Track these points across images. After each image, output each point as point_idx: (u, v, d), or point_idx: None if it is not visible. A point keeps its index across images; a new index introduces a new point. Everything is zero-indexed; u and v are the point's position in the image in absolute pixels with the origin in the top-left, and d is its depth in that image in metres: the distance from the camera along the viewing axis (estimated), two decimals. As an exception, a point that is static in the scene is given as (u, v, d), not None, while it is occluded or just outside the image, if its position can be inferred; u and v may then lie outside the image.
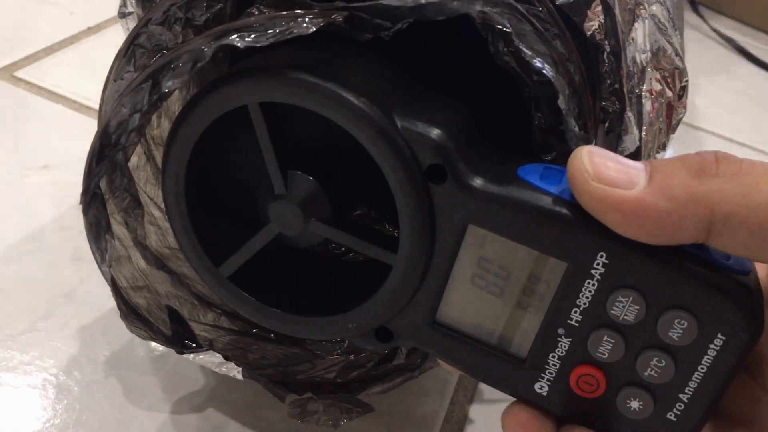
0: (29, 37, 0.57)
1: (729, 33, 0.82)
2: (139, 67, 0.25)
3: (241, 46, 0.22)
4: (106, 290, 0.28)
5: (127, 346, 0.36)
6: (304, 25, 0.21)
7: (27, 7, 0.61)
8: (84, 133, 0.50)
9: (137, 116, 0.24)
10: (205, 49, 0.22)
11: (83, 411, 0.33)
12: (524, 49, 0.22)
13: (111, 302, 0.29)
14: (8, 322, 0.36)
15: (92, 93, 0.52)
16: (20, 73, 0.53)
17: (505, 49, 0.23)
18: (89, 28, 0.59)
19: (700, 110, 0.69)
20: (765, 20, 0.86)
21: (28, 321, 0.36)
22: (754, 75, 0.78)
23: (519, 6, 0.23)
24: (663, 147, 0.30)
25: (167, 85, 0.23)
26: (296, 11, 0.22)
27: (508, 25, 0.22)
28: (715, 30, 0.83)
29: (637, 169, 0.20)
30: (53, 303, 0.38)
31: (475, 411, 0.37)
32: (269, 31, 0.22)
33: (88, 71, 0.54)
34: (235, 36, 0.22)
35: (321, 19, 0.21)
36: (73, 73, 0.54)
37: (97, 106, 0.50)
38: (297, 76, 0.22)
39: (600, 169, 0.20)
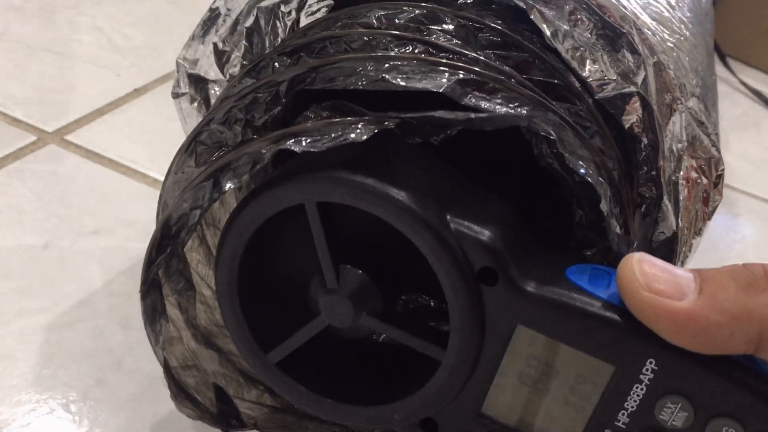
0: (77, 100, 0.59)
1: (758, 86, 0.83)
2: (200, 162, 0.26)
3: (298, 151, 0.23)
4: (153, 359, 0.29)
5: (174, 417, 0.36)
6: (358, 131, 0.23)
7: (74, 70, 0.63)
8: (131, 197, 0.52)
9: (197, 212, 0.25)
10: (264, 152, 0.23)
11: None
12: (567, 155, 0.23)
13: (157, 371, 0.30)
14: (62, 390, 0.37)
15: (139, 156, 0.54)
16: (70, 137, 0.55)
17: (549, 151, 0.24)
18: (136, 90, 0.61)
19: (729, 167, 0.68)
20: (794, 73, 0.86)
21: (79, 391, 0.37)
22: (785, 130, 0.78)
23: (561, 111, 0.24)
24: (699, 233, 0.31)
25: (227, 184, 0.24)
26: (350, 119, 0.23)
27: (552, 133, 0.23)
28: (743, 83, 0.83)
29: (686, 279, 0.21)
30: (103, 372, 0.39)
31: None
32: (325, 137, 0.23)
33: (135, 134, 0.56)
34: (293, 140, 0.23)
35: (374, 126, 0.23)
36: (121, 136, 0.56)
37: (143, 170, 0.52)
38: (352, 179, 0.23)
39: (650, 279, 0.21)
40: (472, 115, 0.22)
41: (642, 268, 0.21)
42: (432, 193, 0.23)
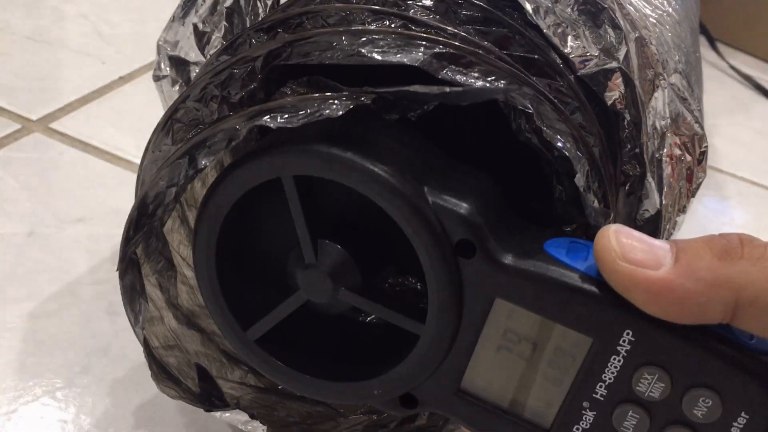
0: (62, 88, 0.58)
1: (747, 70, 0.82)
2: (176, 140, 0.26)
3: (274, 127, 0.23)
4: (139, 345, 0.29)
5: (161, 402, 0.36)
6: (333, 107, 0.23)
7: (59, 58, 0.62)
8: (118, 184, 0.51)
9: (173, 189, 0.25)
10: (240, 129, 0.23)
11: (118, 467, 0.34)
12: (545, 129, 0.23)
13: (144, 357, 0.30)
14: (47, 378, 0.37)
15: (125, 144, 0.53)
16: (55, 125, 0.54)
17: (527, 126, 0.24)
18: (121, 78, 0.61)
19: (719, 151, 0.69)
20: (784, 57, 0.86)
21: (65, 377, 0.37)
22: (774, 114, 0.78)
23: (540, 85, 0.24)
24: (683, 210, 0.31)
25: (202, 161, 0.24)
26: (326, 94, 0.23)
27: (530, 107, 0.23)
28: (733, 67, 0.83)
29: (663, 249, 0.21)
30: (89, 358, 0.39)
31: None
32: (300, 113, 0.23)
33: (121, 122, 0.56)
34: (268, 117, 0.23)
35: (349, 102, 0.23)
36: (106, 123, 0.55)
37: (129, 157, 0.52)
38: (329, 151, 0.23)
39: (626, 249, 0.21)
40: (447, 89, 0.22)
41: (618, 239, 0.21)
42: (410, 166, 0.23)
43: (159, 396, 0.36)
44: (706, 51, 0.86)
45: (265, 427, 0.30)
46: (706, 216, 0.60)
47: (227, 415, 0.30)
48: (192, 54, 0.34)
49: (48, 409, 0.36)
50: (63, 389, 0.37)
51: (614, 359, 0.22)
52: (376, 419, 0.33)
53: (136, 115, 0.56)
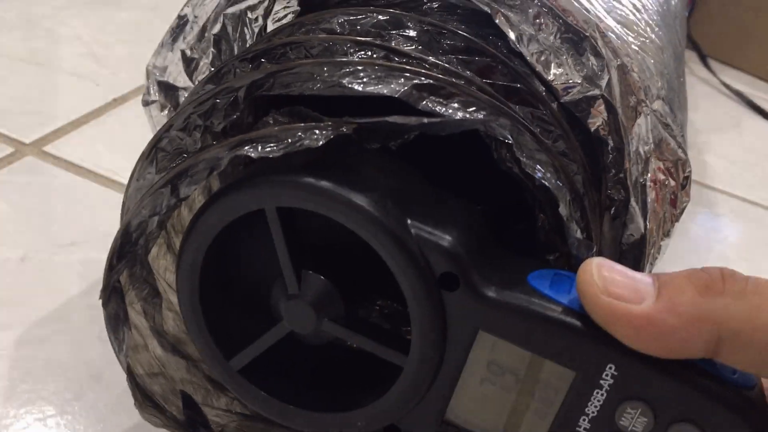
0: (56, 111, 0.59)
1: (740, 87, 0.83)
2: (160, 169, 0.26)
3: (255, 156, 0.23)
4: (131, 371, 0.29)
5: (152, 429, 0.36)
6: (314, 137, 0.23)
7: (53, 80, 0.63)
8: (110, 208, 0.51)
9: (156, 218, 0.25)
10: (221, 158, 0.23)
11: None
12: (524, 159, 0.23)
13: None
14: (39, 405, 0.37)
15: (119, 167, 0.53)
16: (48, 148, 0.55)
17: (508, 155, 0.24)
18: (115, 100, 0.61)
19: (711, 168, 0.69)
20: (776, 73, 0.87)
21: (56, 404, 0.37)
22: (766, 130, 0.78)
23: (520, 115, 0.24)
24: (668, 234, 0.31)
25: (184, 191, 0.24)
26: (308, 124, 0.23)
27: (509, 137, 0.23)
28: (725, 84, 0.83)
29: (645, 283, 0.21)
30: (81, 385, 0.38)
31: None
32: (281, 143, 0.23)
33: (114, 144, 0.56)
34: (249, 147, 0.23)
35: (330, 132, 0.23)
36: (100, 146, 0.56)
37: (123, 180, 0.52)
38: (311, 183, 0.23)
39: (608, 283, 0.21)
40: (426, 120, 0.22)
41: (601, 273, 0.21)
42: (392, 198, 0.23)
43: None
44: (698, 68, 0.86)
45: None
46: (699, 234, 0.60)
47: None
48: (180, 80, 0.34)
49: (40, 437, 0.36)
50: (54, 416, 0.37)
51: (597, 393, 0.22)
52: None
53: (130, 138, 0.56)
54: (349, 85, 0.23)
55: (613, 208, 0.29)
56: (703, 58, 0.87)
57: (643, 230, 0.29)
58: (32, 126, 0.56)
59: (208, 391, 0.31)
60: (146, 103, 0.37)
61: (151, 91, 0.36)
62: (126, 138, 0.58)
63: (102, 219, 0.49)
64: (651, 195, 0.30)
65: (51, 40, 0.67)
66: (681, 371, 0.21)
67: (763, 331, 0.20)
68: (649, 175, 0.30)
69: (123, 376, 0.38)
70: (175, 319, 0.32)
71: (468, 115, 0.23)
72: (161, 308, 0.30)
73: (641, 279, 0.21)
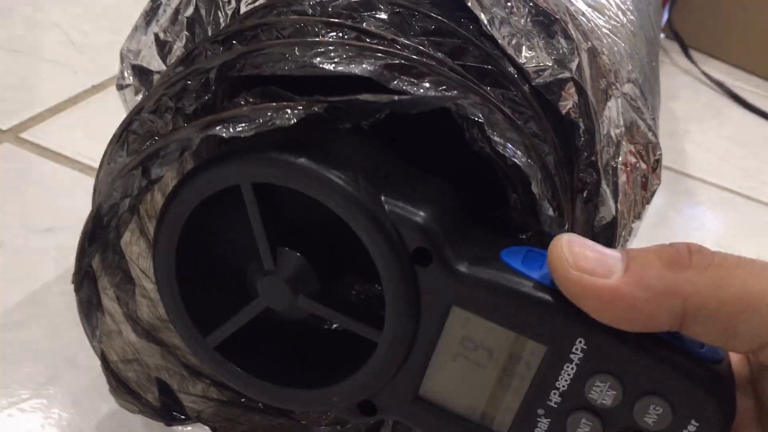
0: (34, 98, 0.58)
1: (720, 77, 0.84)
2: (131, 152, 0.26)
3: (227, 136, 0.23)
4: (105, 356, 0.29)
5: (128, 413, 0.36)
6: (286, 116, 0.23)
7: (31, 67, 0.62)
8: (87, 195, 0.50)
9: (127, 200, 0.25)
10: (193, 139, 0.23)
11: (83, 478, 0.33)
12: (496, 138, 0.23)
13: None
14: (12, 389, 0.37)
15: (96, 153, 0.52)
16: (25, 135, 0.54)
17: (479, 135, 0.24)
18: (93, 87, 0.61)
19: (690, 157, 0.70)
20: (756, 64, 0.87)
21: (31, 388, 0.37)
22: (746, 120, 0.79)
23: (491, 95, 0.24)
24: (639, 216, 0.31)
25: (156, 172, 0.24)
26: (279, 103, 0.23)
27: (480, 116, 0.23)
28: (706, 74, 0.84)
29: (614, 258, 0.21)
30: (56, 369, 0.38)
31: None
32: (253, 123, 0.23)
33: (92, 131, 0.56)
34: (221, 126, 0.23)
35: (302, 111, 0.23)
36: (78, 133, 0.55)
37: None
38: (286, 159, 0.23)
39: (578, 257, 0.21)
40: (396, 98, 0.22)
41: (571, 248, 0.22)
42: (366, 174, 0.23)
43: (126, 406, 0.37)
44: (679, 58, 0.87)
45: (227, 440, 0.30)
46: (678, 222, 0.61)
47: (189, 429, 0.30)
48: (154, 63, 0.34)
49: (14, 420, 0.36)
50: (29, 400, 0.37)
51: (567, 367, 0.23)
52: (340, 430, 0.33)
53: (108, 125, 0.55)
54: (321, 65, 0.23)
55: (585, 191, 0.29)
56: (685, 49, 0.88)
57: (614, 212, 0.29)
58: (9, 113, 0.56)
59: (184, 377, 0.31)
60: (120, 87, 0.37)
61: (125, 75, 0.36)
62: (104, 125, 0.56)
63: (79, 205, 0.48)
64: (622, 178, 0.30)
65: (29, 27, 0.67)
66: (649, 345, 0.22)
67: (728, 304, 0.20)
68: (620, 158, 0.30)
69: (97, 360, 0.38)
70: (150, 306, 0.32)
71: (438, 94, 0.23)
72: (135, 294, 0.30)
73: (610, 254, 0.21)
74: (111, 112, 0.59)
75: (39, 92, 0.59)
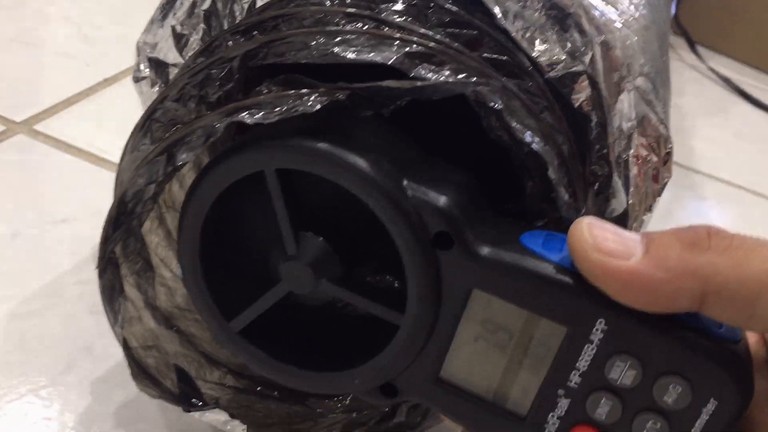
0: (47, 90, 0.59)
1: (727, 73, 0.84)
2: (155, 140, 0.26)
3: (250, 123, 0.23)
4: (123, 344, 0.30)
5: (144, 400, 0.37)
6: (309, 103, 0.23)
7: (43, 60, 0.63)
8: (101, 186, 0.51)
9: (152, 186, 0.25)
10: (217, 125, 0.24)
11: (101, 464, 0.34)
12: (514, 125, 0.24)
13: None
14: (30, 377, 0.38)
15: (109, 145, 0.54)
16: (39, 127, 0.55)
17: (497, 123, 0.24)
18: (105, 80, 0.61)
19: (697, 152, 0.70)
20: (763, 59, 0.87)
21: (49, 376, 0.38)
22: (752, 115, 0.79)
23: (509, 83, 0.25)
24: (650, 209, 0.31)
25: (181, 158, 0.25)
26: (301, 90, 0.24)
27: (499, 102, 0.23)
28: (712, 69, 0.84)
29: (634, 240, 0.22)
30: (73, 357, 0.39)
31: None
32: (276, 109, 0.23)
33: (105, 123, 0.56)
34: (245, 113, 0.24)
35: (325, 98, 0.23)
36: (91, 125, 0.56)
37: (113, 159, 0.52)
38: (310, 145, 0.23)
39: (599, 240, 0.22)
40: (418, 83, 0.22)
41: (591, 230, 0.22)
42: (388, 159, 0.24)
43: (142, 394, 0.37)
44: (685, 54, 0.87)
45: (244, 427, 0.31)
46: (684, 216, 0.61)
47: (207, 415, 0.31)
48: (170, 56, 0.34)
49: (32, 407, 0.36)
50: (47, 387, 0.37)
51: (588, 348, 0.23)
52: (355, 417, 0.33)
53: (120, 117, 0.56)
54: (343, 54, 0.23)
55: (597, 184, 0.30)
56: (691, 44, 0.88)
57: (625, 205, 0.30)
58: (23, 105, 0.56)
59: (202, 364, 0.32)
60: (137, 80, 0.37)
61: (142, 67, 0.36)
62: (116, 117, 0.58)
63: (92, 197, 0.49)
64: (633, 170, 0.30)
65: (40, 20, 0.67)
66: (669, 326, 0.22)
67: (746, 284, 0.20)
68: (632, 150, 0.30)
69: (114, 348, 0.39)
70: (167, 294, 0.33)
71: (460, 80, 0.23)
72: (154, 282, 0.31)
73: (630, 236, 0.22)
74: (123, 104, 0.60)
75: (52, 85, 0.59)
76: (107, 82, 0.61)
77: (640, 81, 0.31)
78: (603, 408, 0.23)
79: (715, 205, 0.64)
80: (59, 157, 0.53)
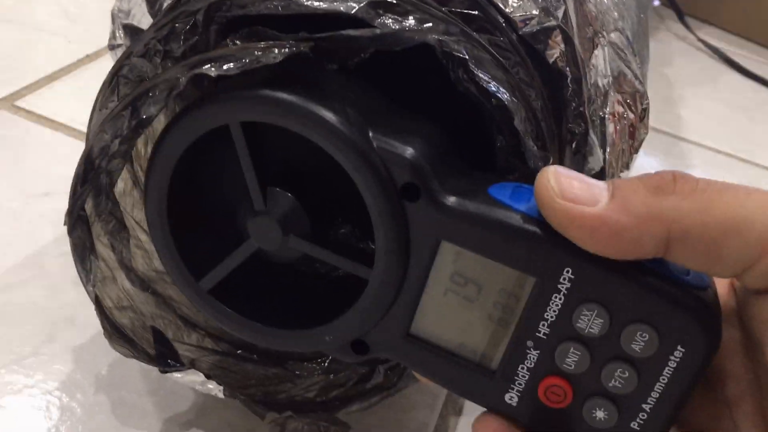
0: (29, 67, 0.58)
1: (716, 43, 0.83)
2: (122, 97, 0.26)
3: (214, 75, 0.23)
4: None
5: (128, 368, 0.37)
6: (272, 55, 0.23)
7: (26, 37, 0.62)
8: (82, 159, 0.52)
9: (117, 141, 0.25)
10: (181, 78, 0.24)
11: (85, 432, 0.34)
12: (480, 75, 0.24)
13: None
14: (13, 347, 0.38)
15: (90, 120, 0.53)
16: (21, 102, 0.55)
17: (464, 75, 0.24)
18: (87, 56, 0.61)
19: (685, 121, 0.70)
20: (751, 29, 0.87)
21: (32, 345, 0.38)
22: (741, 85, 0.79)
23: (477, 36, 0.25)
24: (627, 166, 0.31)
25: (145, 111, 0.24)
26: (266, 43, 0.23)
27: (464, 53, 0.23)
28: (701, 40, 0.84)
29: (599, 187, 0.21)
30: (56, 327, 0.39)
31: (463, 424, 0.38)
32: (239, 62, 0.23)
33: (86, 99, 0.55)
34: (209, 65, 0.23)
35: (287, 50, 0.23)
36: (72, 100, 0.56)
37: (94, 134, 0.52)
38: (274, 96, 0.23)
39: (565, 187, 0.21)
40: (378, 31, 0.22)
41: (557, 178, 0.22)
42: (354, 111, 0.23)
43: (125, 361, 0.37)
44: (674, 24, 0.87)
45: (221, 388, 0.31)
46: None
47: (183, 376, 0.31)
48: (144, 21, 0.34)
49: (15, 376, 0.36)
50: (29, 357, 0.37)
51: (555, 297, 0.23)
52: (333, 379, 0.33)
53: (103, 93, 0.57)
54: (306, 3, 0.23)
55: (575, 142, 0.30)
56: (680, 15, 0.87)
57: (602, 162, 0.30)
58: (5, 81, 0.56)
59: (179, 327, 0.32)
60: (112, 47, 0.37)
61: (117, 35, 0.36)
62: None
63: (74, 170, 0.49)
64: (610, 127, 0.30)
65: (22, -2, 0.67)
66: (635, 273, 0.22)
67: (711, 228, 0.20)
68: (608, 108, 0.30)
69: (96, 318, 0.39)
70: (145, 257, 0.33)
71: (421, 28, 0.23)
72: (128, 243, 0.30)
73: (596, 183, 0.22)
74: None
75: (34, 61, 0.59)
76: (89, 58, 0.61)
77: (614, 36, 0.30)
78: (571, 358, 0.23)
79: (703, 173, 0.64)
80: (41, 132, 0.52)
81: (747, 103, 0.76)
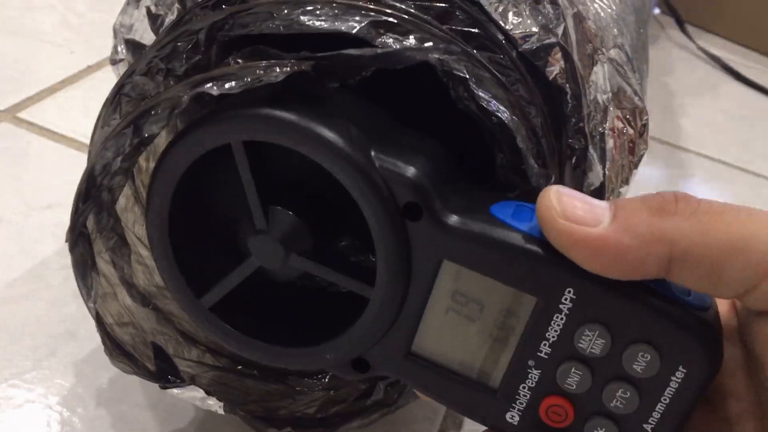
0: (31, 78, 0.59)
1: (716, 51, 0.84)
2: (124, 114, 0.26)
3: (216, 93, 0.23)
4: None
5: (129, 382, 0.37)
6: (274, 74, 0.23)
7: (28, 48, 0.63)
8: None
9: (119, 159, 0.25)
10: (183, 97, 0.24)
11: (85, 446, 0.34)
12: (481, 94, 0.24)
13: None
14: (15, 361, 0.38)
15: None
16: (23, 114, 0.55)
17: (465, 94, 0.24)
18: (89, 67, 0.61)
19: (686, 131, 0.70)
20: (752, 38, 0.87)
21: (33, 359, 0.38)
22: (741, 93, 0.79)
23: (477, 54, 0.25)
24: (626, 181, 0.31)
25: (147, 129, 0.24)
26: (267, 62, 0.23)
27: (465, 72, 0.23)
28: (701, 49, 0.84)
29: (602, 207, 0.21)
30: (57, 341, 0.39)
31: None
32: (241, 80, 0.23)
33: (89, 110, 0.56)
34: (211, 84, 0.23)
35: (289, 68, 0.23)
36: (75, 112, 0.56)
37: (95, 146, 0.52)
38: (276, 115, 0.23)
39: (567, 208, 0.21)
40: (379, 50, 0.22)
41: (559, 198, 0.22)
42: (356, 129, 0.23)
43: (125, 376, 0.37)
44: (674, 32, 0.87)
45: (221, 404, 0.31)
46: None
47: (183, 392, 0.31)
48: (147, 37, 0.34)
49: (16, 390, 0.36)
50: (31, 371, 0.37)
51: (557, 317, 0.23)
52: (333, 395, 0.33)
53: (104, 104, 0.57)
54: (308, 23, 0.23)
55: (574, 158, 0.30)
56: (680, 23, 0.88)
57: (602, 178, 0.30)
58: (7, 93, 0.56)
59: (179, 343, 0.32)
60: (114, 62, 0.37)
61: (119, 50, 0.36)
62: (100, 104, 0.57)
63: (76, 183, 0.49)
64: (609, 143, 0.30)
65: (25, 8, 0.67)
66: (637, 293, 0.22)
67: (713, 249, 0.20)
68: (607, 123, 0.30)
69: (98, 333, 0.39)
70: (146, 273, 0.33)
71: (422, 46, 0.23)
72: (130, 259, 0.31)
73: (598, 203, 0.22)
74: (107, 91, 0.59)
75: (36, 72, 0.59)
76: (91, 69, 0.61)
77: (614, 53, 0.30)
78: (573, 378, 0.23)
79: (703, 183, 0.64)
80: (43, 144, 0.53)
81: (747, 112, 0.76)
